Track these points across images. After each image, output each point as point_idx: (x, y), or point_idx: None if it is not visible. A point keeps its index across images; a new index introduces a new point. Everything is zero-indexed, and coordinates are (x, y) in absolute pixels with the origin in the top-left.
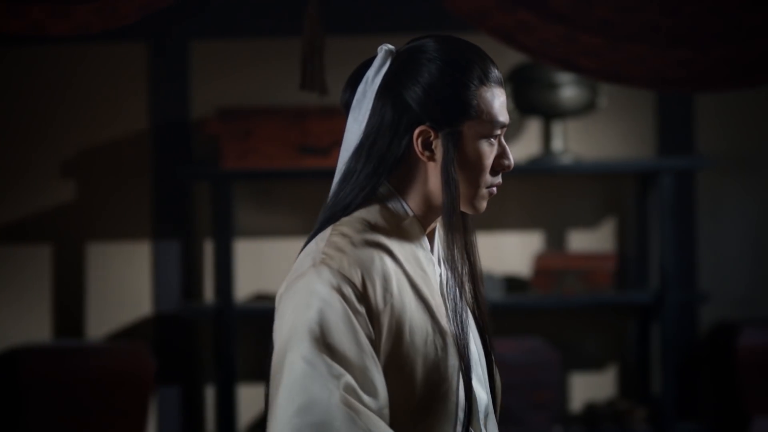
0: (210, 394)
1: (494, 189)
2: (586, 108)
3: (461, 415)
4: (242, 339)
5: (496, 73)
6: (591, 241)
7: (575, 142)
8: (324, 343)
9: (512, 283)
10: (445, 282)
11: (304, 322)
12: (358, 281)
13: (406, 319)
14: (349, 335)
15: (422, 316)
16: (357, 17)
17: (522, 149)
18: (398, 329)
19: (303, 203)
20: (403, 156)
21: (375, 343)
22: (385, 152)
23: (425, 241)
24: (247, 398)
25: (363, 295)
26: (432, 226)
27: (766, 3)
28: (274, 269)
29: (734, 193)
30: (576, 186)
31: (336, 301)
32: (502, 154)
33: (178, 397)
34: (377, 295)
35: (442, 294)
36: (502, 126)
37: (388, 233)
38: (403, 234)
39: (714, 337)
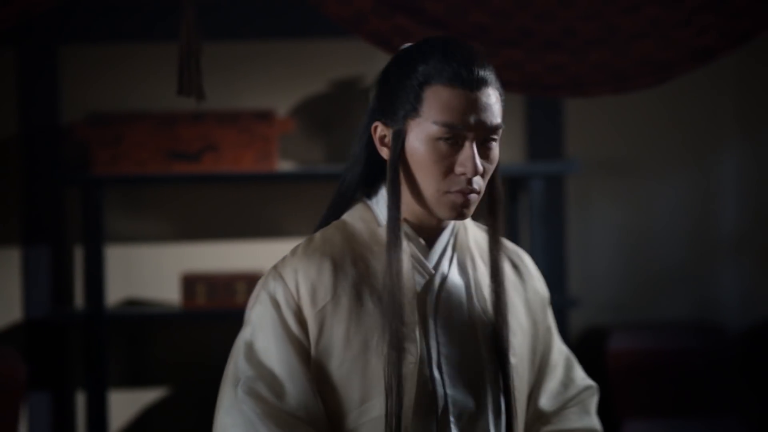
0: (81, 400)
1: (456, 196)
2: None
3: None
4: (113, 344)
5: (459, 73)
6: None
7: None
8: (250, 344)
9: None
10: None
11: (246, 320)
12: (292, 284)
13: (337, 321)
14: (271, 339)
15: (360, 319)
16: (234, 23)
17: None
18: (326, 330)
19: (173, 209)
20: (378, 156)
21: (305, 342)
22: (358, 152)
23: (414, 243)
24: (118, 404)
25: (295, 298)
26: (442, 225)
27: (642, 8)
28: (144, 275)
29: (603, 198)
30: None
31: (269, 305)
32: (462, 159)
33: (48, 402)
34: (309, 298)
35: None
36: (450, 126)
37: (355, 238)
38: (374, 238)
39: (584, 342)
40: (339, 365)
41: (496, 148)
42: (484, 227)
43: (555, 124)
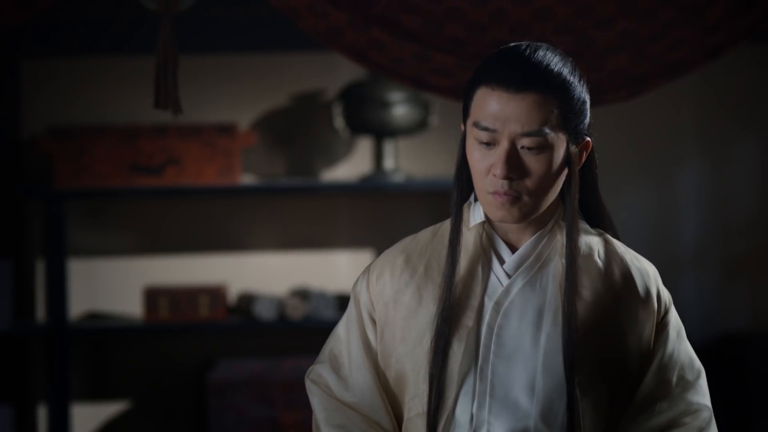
0: (43, 413)
1: (498, 197)
2: (418, 126)
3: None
4: (75, 358)
5: (502, 74)
6: None
7: (407, 161)
8: (335, 334)
9: (345, 301)
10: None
11: None
12: (372, 281)
13: (397, 317)
14: (347, 333)
15: (417, 316)
16: (196, 36)
17: (353, 168)
18: (389, 325)
19: (136, 222)
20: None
21: (374, 338)
22: (457, 155)
23: (495, 247)
24: (80, 417)
25: (371, 295)
26: (529, 231)
27: (616, 22)
28: (106, 288)
29: None
30: (407, 204)
31: (352, 300)
32: (494, 160)
33: (10, 415)
34: (379, 294)
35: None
36: (483, 128)
37: (441, 238)
38: (444, 240)
39: None
40: (397, 359)
41: (547, 154)
42: (597, 232)
43: None
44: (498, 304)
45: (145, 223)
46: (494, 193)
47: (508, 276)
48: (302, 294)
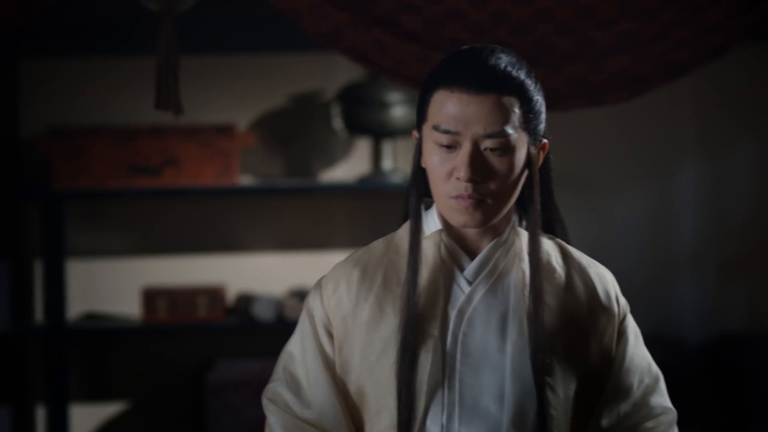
0: (41, 414)
1: (462, 200)
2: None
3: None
4: (73, 358)
5: (461, 76)
6: None
7: (405, 161)
8: (288, 351)
9: None
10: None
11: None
12: (326, 295)
13: (357, 330)
14: (301, 348)
15: (378, 328)
16: (194, 37)
17: (352, 168)
18: (348, 339)
19: (134, 223)
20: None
21: (332, 352)
22: (413, 161)
23: (454, 255)
24: (79, 418)
25: (326, 309)
26: (487, 238)
27: (617, 23)
28: (105, 289)
29: (564, 213)
30: None
31: (305, 315)
32: (457, 163)
33: (9, 416)
34: (335, 307)
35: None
36: (444, 131)
37: (397, 248)
38: (400, 250)
39: None
40: (358, 374)
41: (509, 156)
42: (550, 237)
43: None
44: (461, 312)
45: (144, 224)
46: (457, 197)
47: (469, 284)
48: (301, 294)
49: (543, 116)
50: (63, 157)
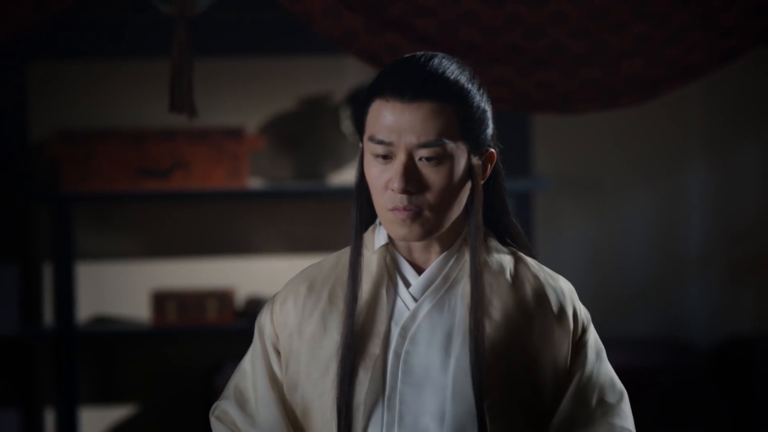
0: (50, 418)
1: (398, 212)
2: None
3: None
4: (82, 362)
5: (394, 84)
6: None
7: None
8: (240, 368)
9: None
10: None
11: None
12: (276, 312)
13: (301, 348)
14: (251, 366)
15: (321, 347)
16: (203, 40)
17: None
18: (293, 356)
19: (143, 226)
20: None
21: (279, 370)
22: (356, 173)
23: (401, 270)
24: (88, 421)
25: (275, 326)
26: (435, 252)
27: (630, 26)
28: (114, 292)
29: (572, 216)
30: None
31: (256, 332)
32: (391, 174)
33: (18, 420)
34: (282, 324)
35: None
36: (378, 141)
37: (343, 265)
38: (349, 264)
39: None
40: (302, 392)
41: (446, 166)
42: (509, 250)
43: (524, 142)
44: (404, 330)
45: (153, 227)
46: (393, 209)
47: (415, 299)
48: None
49: (488, 124)
50: (72, 160)
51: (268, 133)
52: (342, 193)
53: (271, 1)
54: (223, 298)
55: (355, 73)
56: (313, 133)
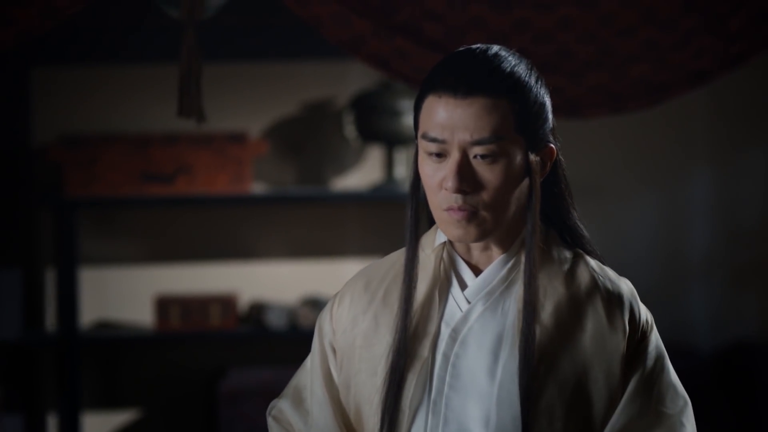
0: (53, 422)
1: (453, 213)
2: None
3: None
4: (85, 367)
5: (447, 80)
6: None
7: None
8: (303, 364)
9: None
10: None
11: None
12: (334, 310)
13: (355, 345)
14: (310, 364)
15: (372, 345)
16: (207, 44)
17: (364, 176)
18: (347, 354)
19: (146, 231)
20: None
21: (335, 368)
22: (411, 172)
23: (458, 271)
24: (91, 426)
25: (333, 324)
26: (496, 253)
27: (638, 31)
28: (117, 297)
29: (587, 218)
30: None
31: (316, 330)
32: (445, 174)
33: (21, 425)
34: (339, 322)
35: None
36: (431, 140)
37: (402, 264)
38: (404, 265)
39: None
40: (354, 392)
41: (502, 163)
42: (572, 251)
43: None
44: (455, 332)
45: (156, 232)
46: (448, 209)
47: (469, 302)
48: (313, 303)
49: (546, 118)
50: (75, 165)
51: (272, 138)
52: (345, 198)
53: (274, 6)
54: (227, 302)
55: (358, 79)
56: (316, 138)
